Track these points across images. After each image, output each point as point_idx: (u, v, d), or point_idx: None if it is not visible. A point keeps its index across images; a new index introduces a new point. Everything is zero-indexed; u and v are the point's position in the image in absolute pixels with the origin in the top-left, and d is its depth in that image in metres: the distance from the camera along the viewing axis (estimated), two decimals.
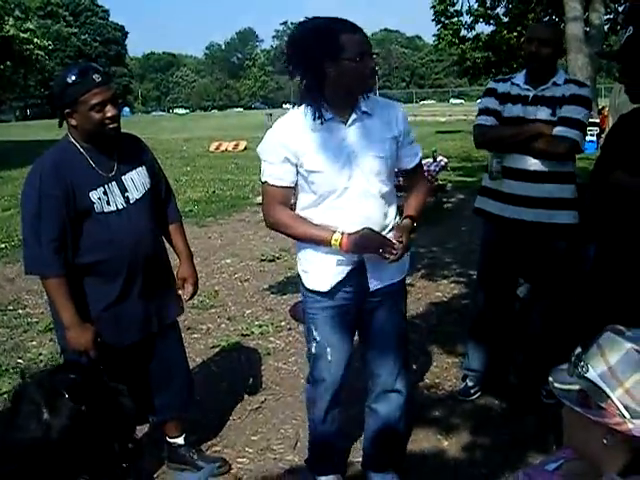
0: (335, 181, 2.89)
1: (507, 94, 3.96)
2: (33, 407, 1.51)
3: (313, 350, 3.13)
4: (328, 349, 3.10)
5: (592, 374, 1.64)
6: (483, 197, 4.11)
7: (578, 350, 1.71)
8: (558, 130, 3.74)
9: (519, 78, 3.97)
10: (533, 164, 3.81)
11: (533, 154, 3.80)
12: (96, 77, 2.99)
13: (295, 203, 3.09)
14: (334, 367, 3.14)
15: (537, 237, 3.91)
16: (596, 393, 1.63)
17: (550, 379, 1.76)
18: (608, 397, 1.61)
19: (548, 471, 1.88)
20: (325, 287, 3.02)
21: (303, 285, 3.13)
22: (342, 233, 2.87)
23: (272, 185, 2.95)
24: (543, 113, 3.82)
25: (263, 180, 2.99)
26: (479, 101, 4.26)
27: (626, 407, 1.60)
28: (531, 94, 3.88)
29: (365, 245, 2.89)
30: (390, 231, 3.04)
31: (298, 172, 2.92)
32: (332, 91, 2.83)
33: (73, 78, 2.95)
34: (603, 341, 1.66)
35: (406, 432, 3.60)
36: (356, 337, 3.29)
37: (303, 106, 2.90)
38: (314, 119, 2.85)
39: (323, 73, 2.76)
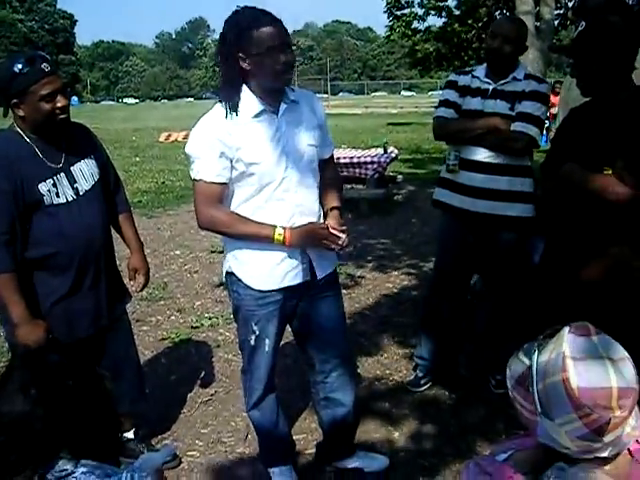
0: (273, 172, 2.87)
1: (467, 87, 3.97)
2: (21, 382, 1.53)
3: (252, 343, 3.12)
4: (266, 340, 3.10)
5: (534, 359, 1.69)
6: (441, 189, 4.12)
7: (546, 332, 1.74)
8: (516, 125, 3.77)
9: (480, 71, 3.99)
10: (490, 157, 3.84)
11: (490, 147, 3.83)
12: (45, 66, 2.91)
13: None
14: (269, 357, 3.16)
15: (492, 229, 3.95)
16: (530, 377, 1.68)
17: (522, 347, 1.79)
18: (533, 385, 1.66)
19: (498, 461, 1.90)
20: (267, 285, 3.00)
21: (240, 284, 3.05)
22: (284, 228, 2.86)
23: (208, 182, 2.86)
24: (501, 107, 3.84)
25: (197, 178, 2.88)
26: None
27: (540, 402, 1.64)
28: (491, 87, 3.89)
29: (310, 239, 2.91)
30: (322, 218, 3.08)
31: (233, 167, 2.85)
32: (254, 84, 2.83)
33: (20, 67, 2.86)
34: (559, 334, 1.69)
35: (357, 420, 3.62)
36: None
37: (227, 101, 2.87)
38: (237, 112, 2.83)
39: (241, 67, 2.78)
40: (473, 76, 3.99)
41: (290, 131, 2.92)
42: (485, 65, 3.99)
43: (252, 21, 2.72)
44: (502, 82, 3.87)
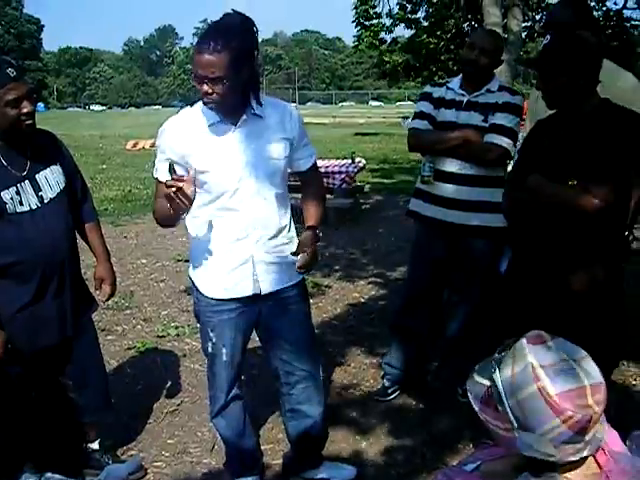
0: (224, 182, 2.88)
1: (442, 99, 3.99)
2: None
3: (210, 349, 3.14)
4: (223, 349, 3.11)
5: (497, 377, 1.70)
6: (415, 199, 4.14)
7: (500, 349, 1.75)
8: (489, 137, 3.80)
9: (454, 83, 4.01)
10: (464, 168, 3.86)
11: (463, 158, 3.85)
12: (10, 71, 2.87)
13: None
14: (229, 365, 3.16)
15: (464, 239, 3.98)
16: (497, 396, 1.68)
17: (474, 369, 1.79)
18: (503, 403, 1.66)
19: (467, 471, 1.91)
20: (219, 294, 3.04)
21: (197, 289, 3.11)
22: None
23: (160, 181, 2.94)
24: (475, 119, 3.86)
25: (154, 175, 3.02)
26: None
27: (515, 417, 1.65)
28: (465, 99, 3.92)
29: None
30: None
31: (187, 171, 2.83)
32: None
33: None
34: (517, 348, 1.70)
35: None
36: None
37: (195, 107, 2.93)
38: (201, 121, 2.88)
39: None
40: (448, 88, 4.01)
41: (246, 143, 2.90)
42: (460, 77, 4.01)
43: (197, 42, 2.73)
44: (476, 94, 3.90)
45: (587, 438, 1.62)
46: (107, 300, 3.61)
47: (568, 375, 1.61)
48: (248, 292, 3.03)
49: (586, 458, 1.67)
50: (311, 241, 3.04)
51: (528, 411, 1.63)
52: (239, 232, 2.95)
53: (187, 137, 2.87)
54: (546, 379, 1.61)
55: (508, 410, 1.66)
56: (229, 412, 3.27)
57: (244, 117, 2.89)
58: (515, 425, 1.66)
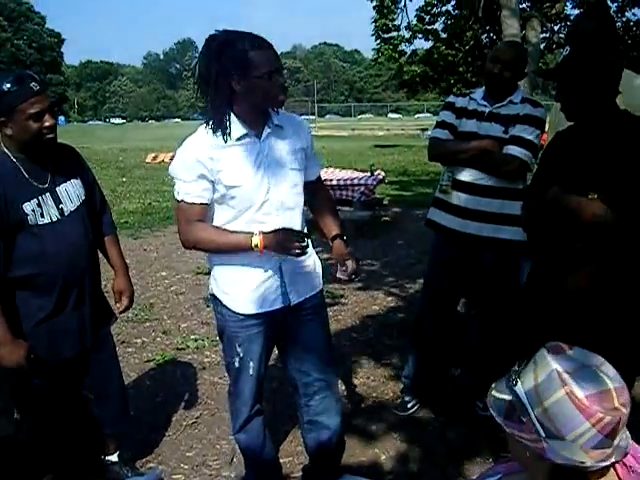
0: (254, 195, 2.87)
1: (464, 109, 3.99)
2: (3, 405, 1.51)
3: (236, 365, 3.12)
4: (251, 363, 3.10)
5: (519, 389, 1.69)
6: (434, 208, 4.14)
7: (518, 362, 1.75)
8: (508, 149, 3.79)
9: (478, 94, 4.01)
10: (482, 179, 3.85)
11: (482, 169, 3.84)
12: (34, 85, 2.90)
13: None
14: (254, 379, 3.15)
15: (481, 251, 3.96)
16: (520, 408, 1.67)
17: (492, 386, 1.79)
18: (528, 414, 1.65)
19: None
20: (248, 310, 3.01)
21: (223, 306, 3.07)
22: (259, 233, 2.84)
23: (189, 203, 2.87)
24: (495, 130, 3.85)
25: (179, 199, 2.90)
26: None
27: (542, 426, 1.64)
28: (487, 110, 3.91)
29: (283, 243, 2.85)
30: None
31: (215, 189, 2.86)
32: (242, 107, 2.82)
33: (8, 86, 2.85)
34: (537, 358, 1.70)
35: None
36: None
37: (213, 123, 2.86)
38: (227, 135, 2.83)
39: (232, 90, 2.76)
40: (471, 98, 4.01)
41: (272, 155, 2.92)
42: (483, 88, 4.01)
43: (248, 43, 2.71)
44: (498, 105, 3.89)
45: (615, 442, 1.61)
46: (123, 312, 3.61)
47: (593, 379, 1.61)
48: (278, 304, 3.03)
49: (609, 467, 1.66)
50: (347, 248, 3.14)
51: (557, 417, 1.62)
52: None
53: (215, 152, 2.83)
54: (574, 383, 1.61)
55: (535, 420, 1.65)
56: (251, 427, 3.26)
57: (267, 129, 2.90)
58: (543, 434, 1.64)
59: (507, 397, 1.72)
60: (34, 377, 3.01)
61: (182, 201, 2.89)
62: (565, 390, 1.61)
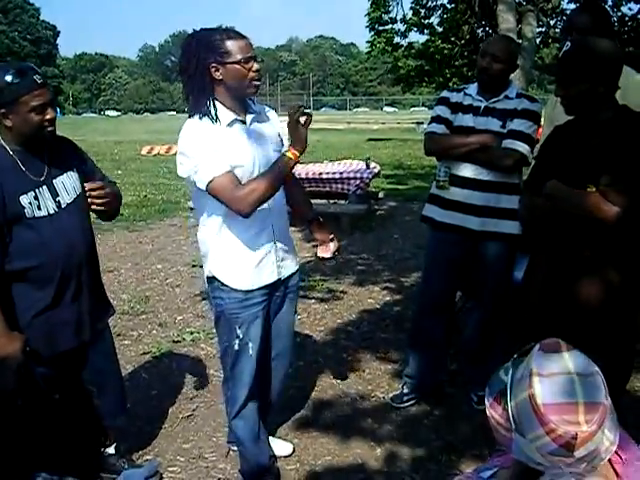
0: (247, 176, 3.00)
1: (459, 104, 3.99)
2: (7, 392, 1.51)
3: (236, 347, 3.21)
4: (250, 344, 3.21)
5: (509, 377, 1.71)
6: (430, 204, 4.14)
7: (522, 349, 1.76)
8: (506, 143, 3.80)
9: (472, 89, 4.01)
10: (480, 173, 3.86)
11: (480, 164, 3.85)
12: (37, 78, 2.91)
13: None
14: (253, 361, 3.25)
15: (480, 245, 3.97)
16: (506, 395, 1.69)
17: (501, 367, 1.80)
18: (507, 403, 1.67)
19: (483, 478, 1.91)
20: (249, 285, 3.14)
21: (224, 287, 3.16)
22: (288, 149, 3.00)
23: (221, 174, 2.90)
24: (493, 124, 3.86)
25: (211, 179, 2.91)
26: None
27: (514, 419, 1.65)
28: (483, 105, 3.92)
29: (301, 133, 2.97)
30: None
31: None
32: (224, 95, 3.00)
33: (11, 77, 2.84)
34: (533, 352, 1.71)
35: None
36: None
37: (199, 112, 3.00)
38: (217, 120, 2.99)
39: (212, 78, 2.95)
40: (465, 93, 4.01)
41: (258, 139, 3.11)
42: (477, 83, 4.01)
43: (225, 35, 2.93)
44: (494, 100, 3.90)
45: (577, 455, 1.60)
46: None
47: (563, 388, 1.61)
48: (274, 278, 3.23)
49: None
50: (327, 227, 3.36)
51: (521, 415, 1.65)
52: (261, 223, 3.11)
53: (215, 135, 2.96)
54: (538, 387, 1.61)
55: (510, 410, 1.68)
56: (246, 412, 3.34)
57: (250, 116, 3.09)
58: (513, 426, 1.67)
59: (505, 380, 1.74)
60: (37, 367, 3.02)
61: (214, 179, 2.92)
62: (529, 392, 1.63)
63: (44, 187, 3.05)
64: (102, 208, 3.19)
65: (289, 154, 2.97)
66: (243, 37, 2.97)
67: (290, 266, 3.35)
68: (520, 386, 1.66)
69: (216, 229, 3.11)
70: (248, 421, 3.36)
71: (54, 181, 3.10)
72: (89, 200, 3.14)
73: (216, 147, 2.93)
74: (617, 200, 2.70)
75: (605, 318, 2.87)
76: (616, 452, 1.71)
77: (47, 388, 1.57)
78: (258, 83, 3.02)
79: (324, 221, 3.39)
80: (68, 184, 3.16)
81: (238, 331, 3.18)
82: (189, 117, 3.04)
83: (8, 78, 2.85)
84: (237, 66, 2.91)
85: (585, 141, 2.86)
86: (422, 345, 4.36)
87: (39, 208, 3.01)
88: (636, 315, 2.97)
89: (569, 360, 1.66)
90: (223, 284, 3.16)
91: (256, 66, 2.97)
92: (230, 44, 2.91)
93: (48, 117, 2.95)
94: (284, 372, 3.63)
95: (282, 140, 3.24)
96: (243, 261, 3.13)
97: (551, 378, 1.63)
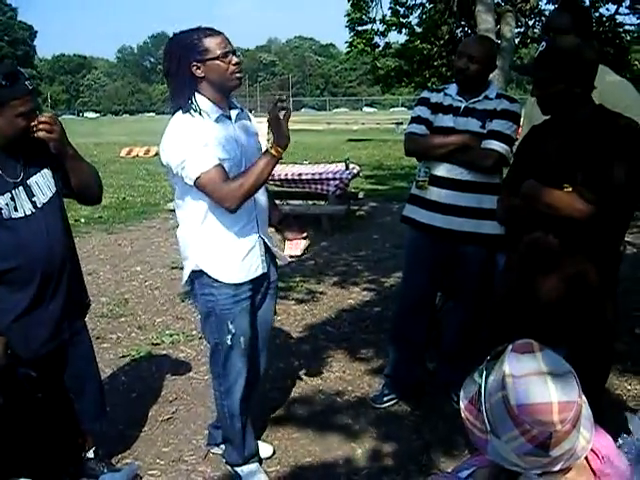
0: (235, 170, 3.06)
1: (439, 104, 4.00)
2: None
3: (228, 342, 3.27)
4: (241, 338, 3.29)
5: (483, 379, 1.71)
6: (410, 205, 4.14)
7: (495, 351, 1.76)
8: (486, 143, 3.81)
9: (452, 89, 4.02)
10: (460, 173, 3.87)
11: (460, 164, 3.86)
12: (28, 84, 2.91)
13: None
14: (245, 353, 3.34)
15: (460, 246, 3.98)
16: (479, 397, 1.69)
17: (475, 370, 1.81)
18: (482, 406, 1.68)
19: (461, 478, 1.91)
20: (238, 278, 3.22)
21: (213, 282, 3.20)
22: (270, 145, 3.04)
23: (209, 169, 2.95)
24: (473, 125, 3.87)
25: (198, 175, 2.96)
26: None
27: (489, 421, 1.66)
28: (462, 105, 3.93)
29: (283, 128, 3.00)
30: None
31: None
32: (208, 91, 3.08)
33: (2, 81, 2.82)
34: (505, 353, 1.71)
35: None
36: None
37: (184, 108, 3.07)
38: (203, 113, 3.06)
39: (194, 76, 3.03)
40: (445, 94, 4.02)
41: (243, 135, 3.20)
42: (456, 84, 4.02)
43: (203, 33, 3.03)
44: (474, 100, 3.91)
45: (554, 454, 1.61)
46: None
47: (537, 389, 1.62)
48: (260, 272, 3.31)
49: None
50: (296, 225, 3.54)
51: (495, 417, 1.65)
52: (247, 216, 3.20)
53: (203, 130, 3.02)
54: (511, 389, 1.62)
55: (484, 412, 1.68)
56: (242, 406, 3.45)
57: (234, 112, 3.18)
58: (488, 428, 1.67)
59: (479, 382, 1.74)
60: (18, 367, 2.99)
61: (202, 174, 2.97)
62: (502, 394, 1.63)
63: (20, 188, 3.03)
64: (48, 135, 2.98)
65: (272, 151, 3.00)
66: (219, 33, 3.06)
67: (271, 261, 3.44)
68: (494, 388, 1.67)
69: (201, 222, 3.16)
70: (243, 414, 3.46)
71: (29, 181, 3.08)
72: (33, 129, 2.95)
73: (205, 141, 2.99)
74: (592, 198, 2.71)
75: (577, 314, 2.88)
76: (593, 450, 1.72)
77: (30, 388, 1.56)
78: (240, 75, 3.10)
79: (294, 219, 3.55)
80: (42, 183, 3.13)
81: (230, 326, 3.23)
82: (173, 113, 3.12)
83: None
84: (217, 62, 2.99)
85: (562, 141, 2.87)
86: (402, 345, 4.36)
87: (15, 209, 3.00)
88: (609, 311, 2.99)
89: (541, 360, 1.67)
90: (213, 279, 3.20)
91: (235, 59, 3.04)
92: (207, 41, 2.99)
93: (34, 123, 2.93)
94: (263, 368, 3.71)
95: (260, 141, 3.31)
96: (231, 254, 3.19)
97: (524, 379, 1.63)
